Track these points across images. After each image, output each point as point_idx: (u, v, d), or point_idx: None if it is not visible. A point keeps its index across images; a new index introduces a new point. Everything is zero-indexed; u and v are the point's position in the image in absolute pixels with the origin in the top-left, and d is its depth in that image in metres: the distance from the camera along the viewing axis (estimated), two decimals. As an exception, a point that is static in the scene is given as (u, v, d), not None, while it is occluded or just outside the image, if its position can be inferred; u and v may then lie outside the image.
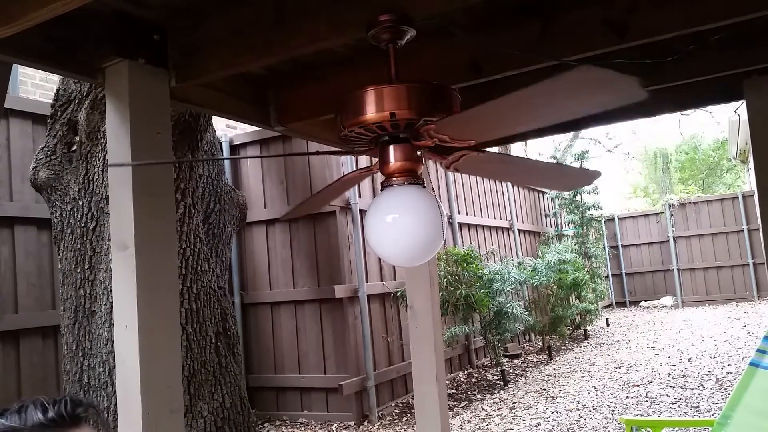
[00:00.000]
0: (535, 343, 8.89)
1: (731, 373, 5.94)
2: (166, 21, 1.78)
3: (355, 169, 1.83)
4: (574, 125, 3.03)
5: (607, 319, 10.89)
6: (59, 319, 3.47)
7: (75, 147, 3.41)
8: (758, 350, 2.49)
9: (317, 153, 1.70)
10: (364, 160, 5.39)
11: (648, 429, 3.15)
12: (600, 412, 4.98)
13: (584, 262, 9.96)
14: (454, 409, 5.45)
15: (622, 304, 13.74)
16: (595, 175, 1.82)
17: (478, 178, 8.19)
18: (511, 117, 1.38)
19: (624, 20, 1.75)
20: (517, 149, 15.61)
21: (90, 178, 3.27)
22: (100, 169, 3.22)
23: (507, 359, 7.41)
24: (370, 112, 1.42)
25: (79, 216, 3.28)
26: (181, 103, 1.99)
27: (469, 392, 6.10)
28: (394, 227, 1.49)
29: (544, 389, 5.98)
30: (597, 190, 11.05)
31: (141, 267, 1.62)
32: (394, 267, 6.07)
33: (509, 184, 9.17)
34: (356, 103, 1.44)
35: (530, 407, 5.32)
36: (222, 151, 5.68)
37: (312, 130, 2.56)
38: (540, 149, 18.80)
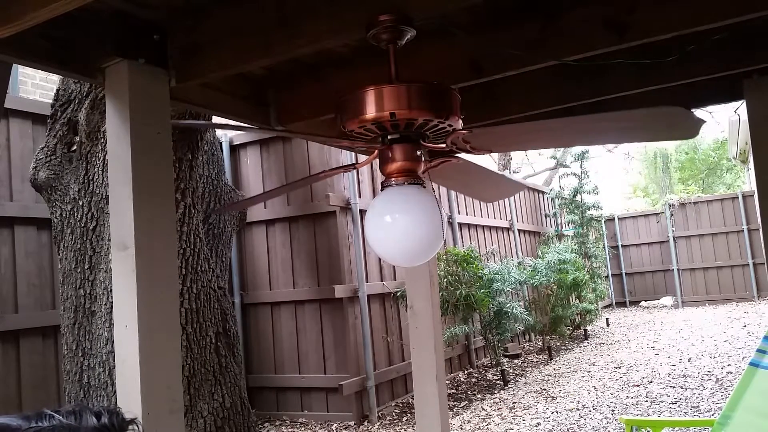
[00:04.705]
0: (535, 343, 8.89)
1: (731, 373, 5.94)
2: (166, 21, 1.78)
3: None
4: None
5: (607, 319, 10.89)
6: (59, 319, 3.47)
7: (75, 147, 3.40)
8: (758, 350, 2.50)
9: (323, 142, 1.71)
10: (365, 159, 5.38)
11: (648, 429, 3.15)
12: (600, 412, 4.98)
13: (584, 262, 9.96)
14: (454, 409, 5.45)
15: (622, 304, 13.74)
16: (520, 186, 1.90)
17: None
18: (555, 136, 1.39)
19: (624, 20, 1.75)
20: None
21: (90, 178, 3.27)
22: (100, 169, 3.22)
23: (507, 359, 7.41)
24: (370, 112, 1.43)
25: (79, 216, 3.28)
26: (181, 103, 1.99)
27: (469, 392, 6.10)
28: (394, 227, 1.49)
29: (544, 389, 5.98)
30: (597, 190, 11.05)
31: (141, 267, 1.62)
32: (394, 267, 6.07)
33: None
34: (356, 103, 1.44)
35: (530, 407, 5.32)
36: (222, 150, 5.68)
37: (312, 130, 2.56)
38: (540, 149, 18.80)
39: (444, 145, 1.48)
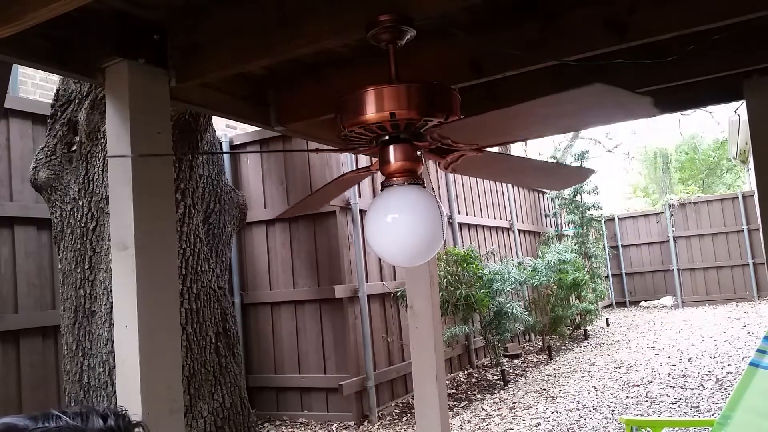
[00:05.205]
0: (535, 343, 8.89)
1: (731, 373, 5.94)
2: (166, 21, 1.78)
3: (355, 168, 1.83)
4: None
5: (607, 319, 10.89)
6: (59, 319, 3.47)
7: (75, 147, 3.40)
8: (758, 350, 2.50)
9: (318, 150, 1.71)
10: (364, 160, 5.39)
11: (648, 429, 3.15)
12: (600, 412, 4.98)
13: (584, 262, 9.96)
14: (454, 409, 5.45)
15: (622, 304, 13.74)
16: (589, 172, 1.85)
17: (478, 178, 8.20)
18: (516, 125, 1.39)
19: (624, 20, 1.75)
20: (516, 149, 15.61)
21: (90, 178, 3.27)
22: (100, 169, 3.22)
23: (507, 359, 7.41)
24: (370, 112, 1.43)
25: (79, 216, 3.28)
26: (181, 103, 1.99)
27: (469, 392, 6.10)
28: (394, 227, 1.49)
29: (544, 389, 5.98)
30: (597, 190, 11.06)
31: (141, 267, 1.62)
32: (394, 267, 6.07)
33: (509, 184, 9.18)
34: (356, 103, 1.44)
35: (530, 407, 5.32)
36: (222, 150, 5.67)
37: (312, 130, 2.56)
38: (540, 149, 18.81)
39: (428, 143, 1.47)
